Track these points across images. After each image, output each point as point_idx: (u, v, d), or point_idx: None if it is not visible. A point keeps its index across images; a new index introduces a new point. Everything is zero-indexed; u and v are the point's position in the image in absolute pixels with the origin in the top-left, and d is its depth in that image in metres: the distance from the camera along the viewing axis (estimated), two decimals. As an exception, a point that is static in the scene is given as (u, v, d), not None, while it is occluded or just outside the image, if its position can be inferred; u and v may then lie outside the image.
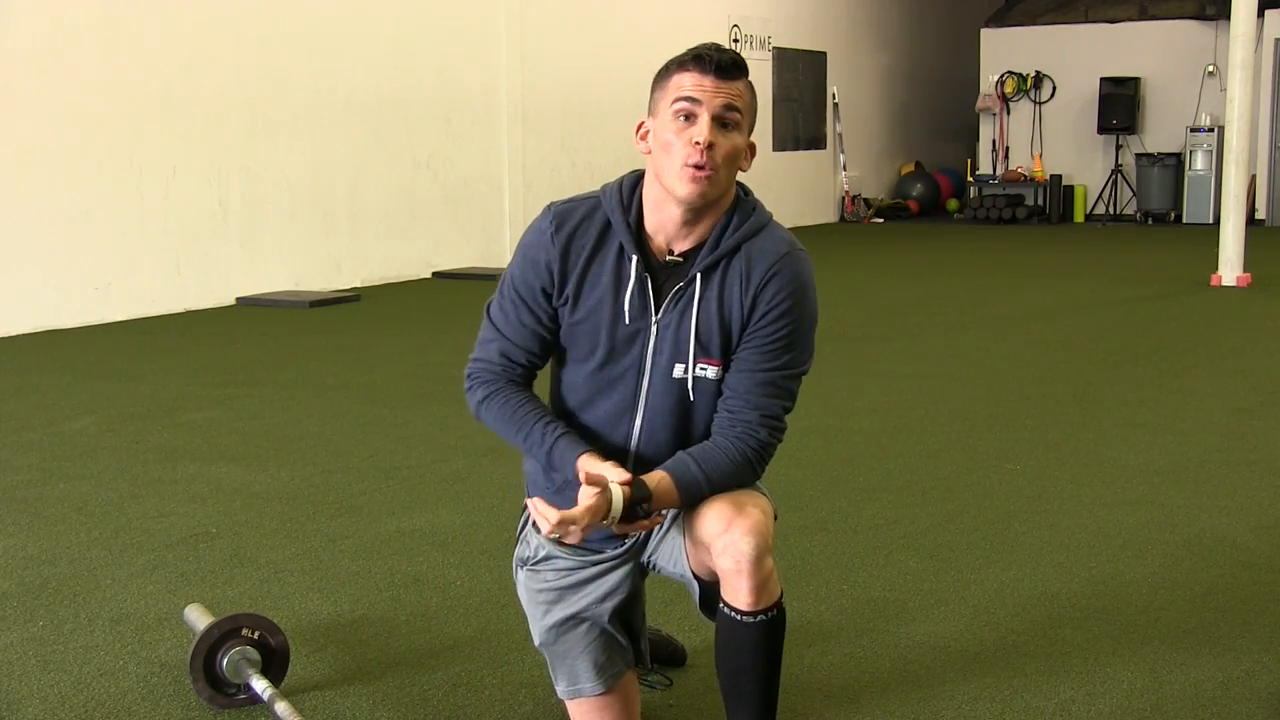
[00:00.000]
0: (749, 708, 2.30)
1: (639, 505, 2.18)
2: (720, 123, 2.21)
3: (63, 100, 8.14)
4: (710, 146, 2.19)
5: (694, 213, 2.26)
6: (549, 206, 2.36)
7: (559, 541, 2.21)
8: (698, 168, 2.19)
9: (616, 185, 2.34)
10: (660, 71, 2.28)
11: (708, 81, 2.21)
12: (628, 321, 2.29)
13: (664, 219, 2.28)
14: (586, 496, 2.14)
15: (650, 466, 2.29)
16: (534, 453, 2.33)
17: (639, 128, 2.31)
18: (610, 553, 2.40)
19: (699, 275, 2.28)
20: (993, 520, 4.03)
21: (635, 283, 2.28)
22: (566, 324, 2.33)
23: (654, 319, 2.29)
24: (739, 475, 2.28)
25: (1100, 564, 3.63)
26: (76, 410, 5.81)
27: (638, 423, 2.34)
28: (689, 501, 2.26)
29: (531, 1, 11.47)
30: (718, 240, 2.29)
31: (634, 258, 2.28)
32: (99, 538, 3.98)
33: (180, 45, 8.78)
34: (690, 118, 2.21)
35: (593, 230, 2.31)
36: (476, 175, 11.24)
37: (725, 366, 2.31)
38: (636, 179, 2.34)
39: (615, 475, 2.19)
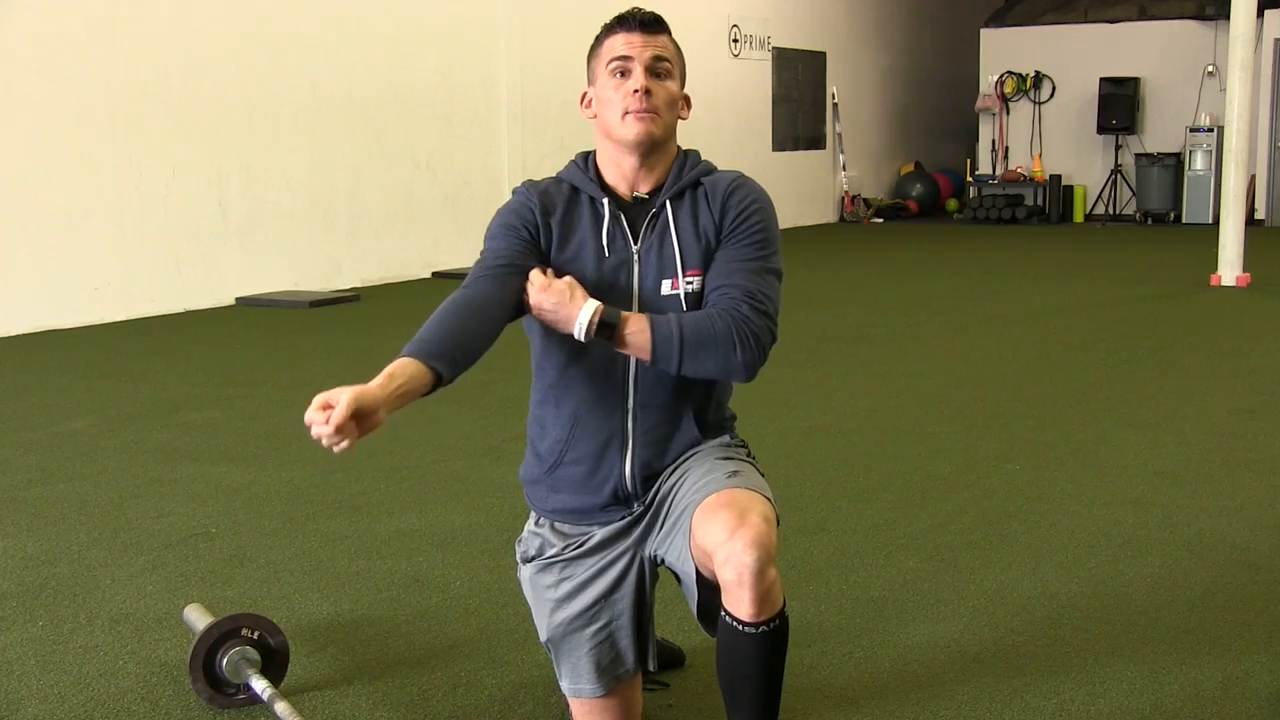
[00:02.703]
0: (749, 714, 2.30)
1: (604, 328, 2.24)
2: (653, 72, 2.37)
3: (62, 100, 8.14)
4: (648, 92, 2.34)
5: (646, 156, 2.39)
6: (515, 188, 2.49)
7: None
8: (640, 111, 2.34)
9: (571, 161, 2.50)
10: (592, 43, 2.44)
11: (635, 38, 2.37)
12: (608, 254, 2.38)
13: (622, 170, 2.42)
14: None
15: (650, 403, 2.38)
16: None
17: (583, 97, 2.46)
18: (614, 526, 2.41)
19: (668, 202, 2.41)
20: (992, 520, 4.03)
21: (610, 219, 2.40)
22: (555, 265, 2.39)
23: (635, 249, 2.39)
24: (715, 339, 2.27)
25: (1100, 564, 3.63)
26: (76, 410, 5.81)
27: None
28: (659, 341, 2.25)
29: (531, 1, 11.47)
30: (679, 174, 2.43)
31: (605, 200, 2.41)
32: (99, 538, 3.98)
33: (180, 45, 8.78)
34: (625, 73, 2.37)
35: (562, 193, 2.45)
36: (476, 175, 11.25)
37: (704, 278, 2.38)
38: (589, 153, 2.49)
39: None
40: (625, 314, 2.28)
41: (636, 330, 2.26)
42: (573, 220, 2.41)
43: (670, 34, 2.43)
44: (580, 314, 2.24)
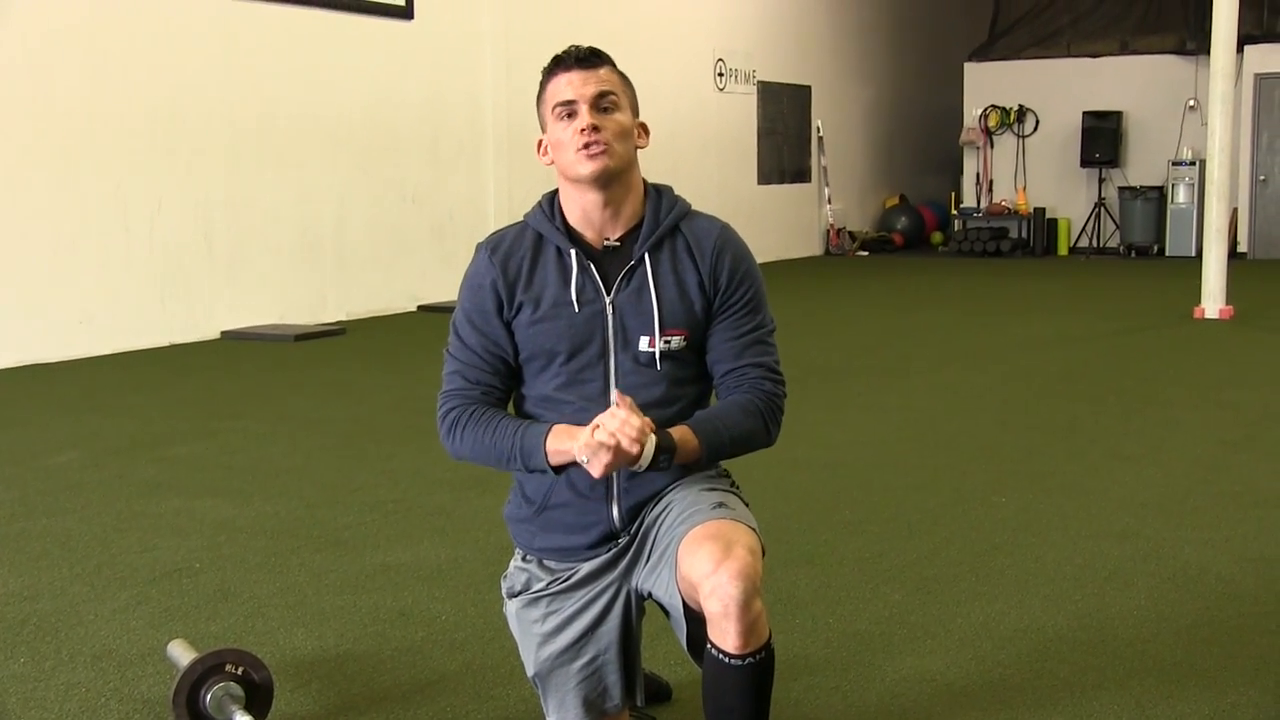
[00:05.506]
0: None
1: (662, 455, 2.26)
2: (598, 108, 2.34)
3: (48, 132, 8.14)
4: (595, 128, 2.32)
5: (609, 192, 2.37)
6: (478, 244, 2.49)
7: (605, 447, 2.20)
8: (590, 145, 2.32)
9: (536, 204, 2.48)
10: (538, 89, 2.42)
11: (574, 76, 2.35)
12: (579, 308, 2.37)
13: (587, 211, 2.39)
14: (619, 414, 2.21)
15: None
16: (505, 452, 2.34)
17: (539, 145, 2.45)
18: (601, 559, 2.40)
19: (646, 254, 2.39)
20: (978, 553, 4.03)
21: (579, 271, 2.39)
22: (527, 329, 2.39)
23: (607, 300, 2.38)
24: (753, 428, 2.38)
25: (1086, 596, 3.63)
26: (60, 444, 5.78)
27: (613, 403, 2.34)
28: (710, 451, 2.34)
29: (517, 33, 11.52)
30: (655, 219, 2.41)
31: (572, 251, 2.39)
32: (82, 573, 3.95)
33: (166, 78, 8.79)
34: (572, 114, 2.35)
35: (525, 244, 2.44)
36: (462, 207, 11.26)
37: (689, 337, 2.40)
38: (553, 193, 2.47)
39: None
40: (679, 437, 2.30)
41: (687, 444, 2.31)
42: (540, 276, 2.40)
43: (611, 64, 2.39)
44: (642, 459, 2.23)
